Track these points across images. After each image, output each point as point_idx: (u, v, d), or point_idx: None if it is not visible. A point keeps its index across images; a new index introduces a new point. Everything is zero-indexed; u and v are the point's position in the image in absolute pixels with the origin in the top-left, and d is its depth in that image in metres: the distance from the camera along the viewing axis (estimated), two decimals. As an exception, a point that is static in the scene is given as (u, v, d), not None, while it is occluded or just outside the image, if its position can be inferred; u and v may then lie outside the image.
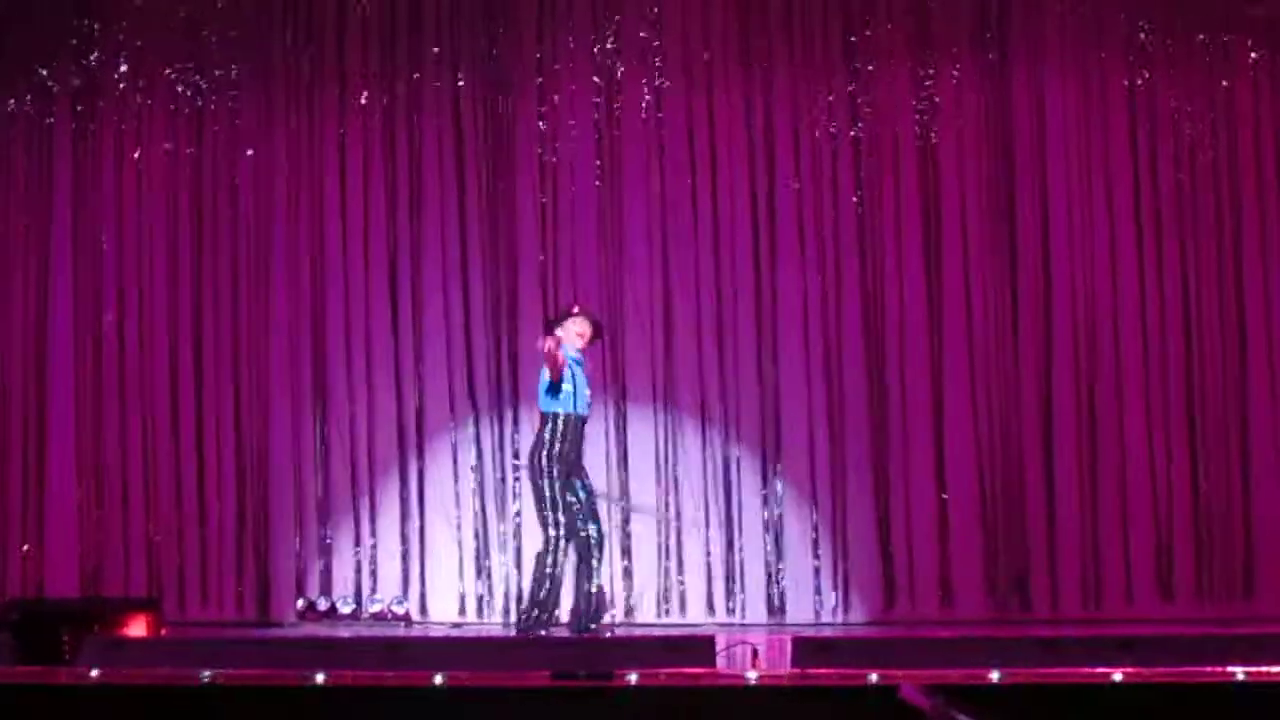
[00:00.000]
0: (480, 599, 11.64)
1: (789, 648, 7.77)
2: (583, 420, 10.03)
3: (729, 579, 11.56)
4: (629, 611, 11.55)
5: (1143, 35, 11.68)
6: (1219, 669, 7.15)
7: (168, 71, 12.19)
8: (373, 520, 11.82)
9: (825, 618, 11.40)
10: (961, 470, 11.51)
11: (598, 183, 11.86)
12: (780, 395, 11.63)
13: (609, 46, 11.92)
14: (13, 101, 12.27)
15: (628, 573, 11.58)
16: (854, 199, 11.71)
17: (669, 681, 7.26)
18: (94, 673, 7.65)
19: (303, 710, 7.12)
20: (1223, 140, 11.61)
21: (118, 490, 11.96)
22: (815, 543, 11.53)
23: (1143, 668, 7.13)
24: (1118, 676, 7.09)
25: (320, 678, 7.32)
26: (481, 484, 11.74)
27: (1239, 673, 7.02)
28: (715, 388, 11.68)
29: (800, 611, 11.46)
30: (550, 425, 9.88)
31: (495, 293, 11.85)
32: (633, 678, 7.23)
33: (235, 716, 6.97)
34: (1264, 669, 7.07)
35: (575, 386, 9.91)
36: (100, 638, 8.42)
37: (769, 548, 11.54)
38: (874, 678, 7.12)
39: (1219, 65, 11.67)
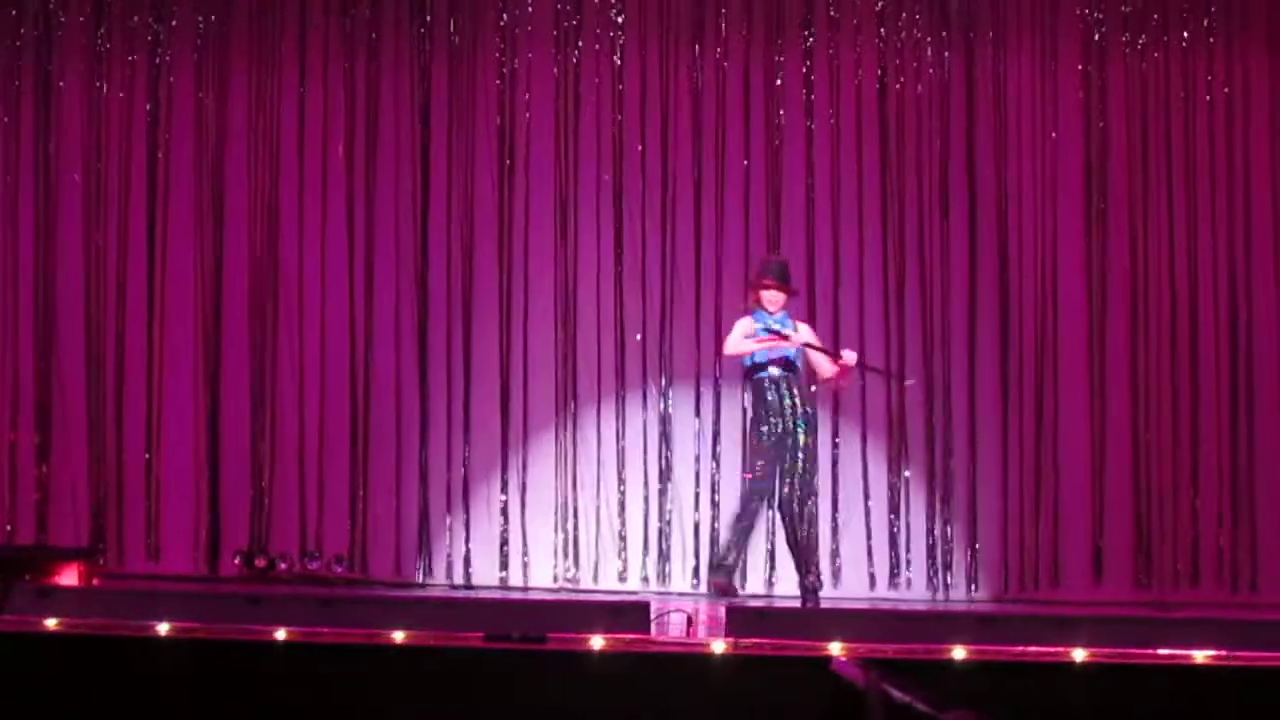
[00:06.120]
0: (424, 561, 11.56)
1: (723, 616, 7.72)
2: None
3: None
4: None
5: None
6: (1154, 650, 7.15)
7: (129, 20, 12.09)
8: (320, 478, 11.72)
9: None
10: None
11: (558, 146, 11.75)
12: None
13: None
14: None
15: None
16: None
17: (603, 647, 7.22)
18: (19, 620, 7.61)
19: (234, 661, 7.08)
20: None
21: (76, 442, 11.87)
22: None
23: (1077, 646, 7.10)
24: (1052, 653, 7.09)
25: (253, 630, 7.29)
26: (425, 442, 11.65)
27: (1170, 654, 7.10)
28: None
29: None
30: None
31: (449, 251, 11.74)
32: (565, 642, 7.21)
33: (156, 666, 6.93)
34: (1191, 652, 7.07)
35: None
36: (30, 586, 8.34)
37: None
38: (807, 648, 7.10)
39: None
